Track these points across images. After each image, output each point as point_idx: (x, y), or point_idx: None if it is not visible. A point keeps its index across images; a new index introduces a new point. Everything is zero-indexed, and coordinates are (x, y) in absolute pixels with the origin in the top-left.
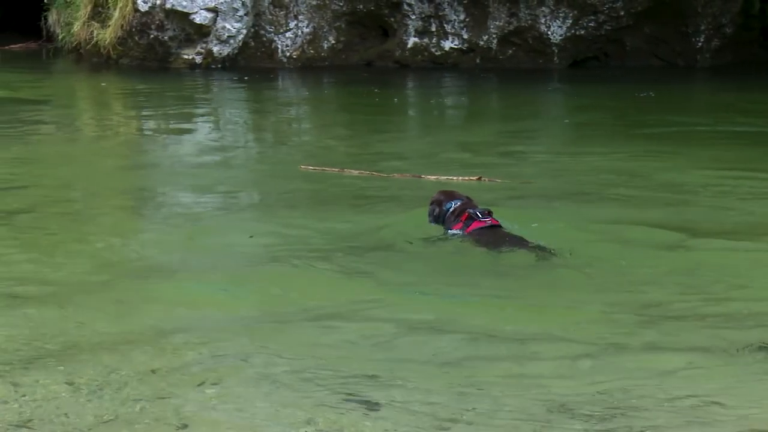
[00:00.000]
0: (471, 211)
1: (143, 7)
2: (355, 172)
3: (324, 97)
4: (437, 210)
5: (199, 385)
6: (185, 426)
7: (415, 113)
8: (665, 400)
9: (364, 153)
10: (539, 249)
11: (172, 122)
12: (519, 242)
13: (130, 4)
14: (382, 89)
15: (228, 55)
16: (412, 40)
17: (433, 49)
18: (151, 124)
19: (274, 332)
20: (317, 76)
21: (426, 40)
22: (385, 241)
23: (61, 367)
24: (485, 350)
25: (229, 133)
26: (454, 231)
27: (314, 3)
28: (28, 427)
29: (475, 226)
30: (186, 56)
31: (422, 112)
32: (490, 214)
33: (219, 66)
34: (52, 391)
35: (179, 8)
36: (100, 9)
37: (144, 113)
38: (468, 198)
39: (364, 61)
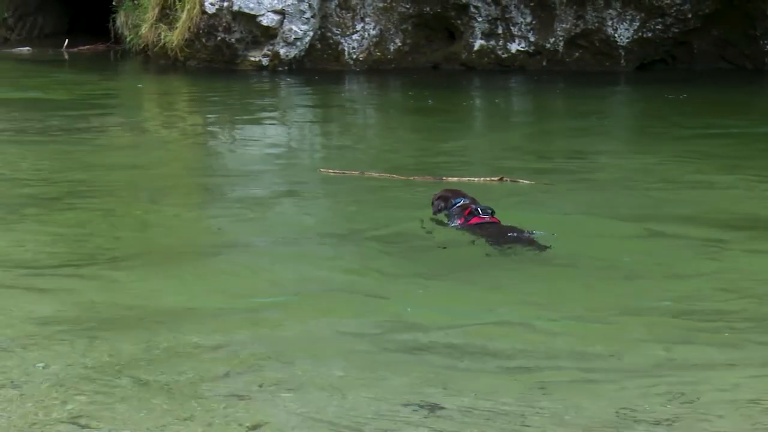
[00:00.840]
0: (473, 207)
1: (210, 9)
2: (375, 174)
3: (389, 99)
4: (442, 205)
5: (261, 385)
6: (254, 426)
7: (478, 116)
8: (729, 404)
9: (424, 155)
10: (536, 244)
11: (237, 125)
12: (516, 237)
13: (198, 7)
14: (447, 92)
15: (294, 57)
16: (478, 43)
17: (499, 52)
18: (216, 125)
19: (334, 334)
20: (383, 79)
21: (492, 42)
22: (416, 240)
23: (127, 363)
24: (544, 357)
25: (294, 135)
26: (456, 223)
27: (381, 5)
28: (89, 427)
29: (475, 221)
30: (253, 58)
31: (486, 115)
32: (492, 213)
33: (285, 68)
34: (117, 384)
35: (246, 10)
36: (167, 11)
37: (210, 115)
38: (473, 199)
39: (431, 64)
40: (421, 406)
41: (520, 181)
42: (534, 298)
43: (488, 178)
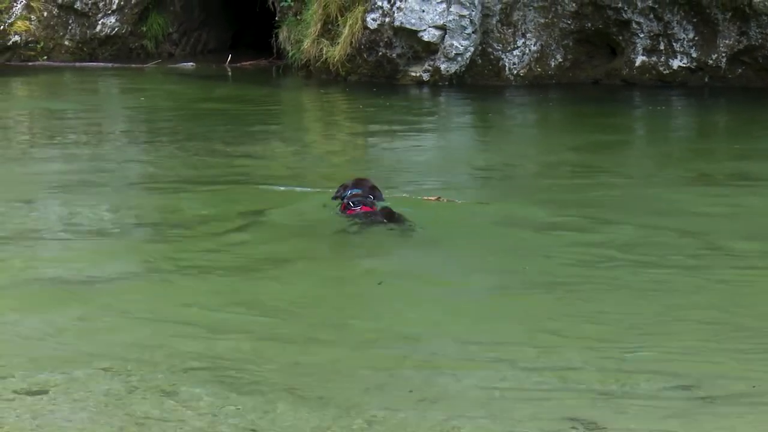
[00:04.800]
0: (369, 199)
1: (372, 24)
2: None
3: (550, 116)
4: (341, 191)
5: (420, 401)
6: None
7: (639, 133)
8: None
9: (571, 177)
10: (403, 225)
11: (396, 141)
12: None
13: (360, 22)
14: (612, 108)
15: (455, 72)
16: (639, 59)
17: (661, 68)
18: (375, 140)
19: (487, 349)
20: (544, 95)
21: (654, 58)
22: None
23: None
24: (702, 375)
25: (452, 153)
26: (343, 212)
27: (542, 21)
28: None
29: (363, 209)
30: (413, 73)
31: (647, 132)
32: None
33: (446, 83)
34: (269, 400)
35: (408, 26)
36: (329, 26)
37: (370, 130)
38: (373, 187)
39: (591, 80)
40: (582, 425)
41: (457, 201)
42: (687, 315)
43: (425, 198)
